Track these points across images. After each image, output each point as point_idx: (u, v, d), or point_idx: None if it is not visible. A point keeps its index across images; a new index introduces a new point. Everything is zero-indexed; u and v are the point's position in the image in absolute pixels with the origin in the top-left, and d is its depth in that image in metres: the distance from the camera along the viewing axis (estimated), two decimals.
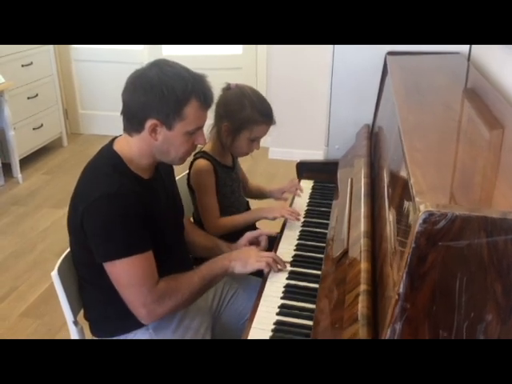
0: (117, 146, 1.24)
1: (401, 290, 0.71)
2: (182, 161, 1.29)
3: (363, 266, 1.02)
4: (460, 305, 0.70)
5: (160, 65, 1.19)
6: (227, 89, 1.59)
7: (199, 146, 1.41)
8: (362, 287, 0.95)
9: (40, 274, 2.56)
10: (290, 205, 1.78)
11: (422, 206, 0.68)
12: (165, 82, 1.16)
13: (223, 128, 1.57)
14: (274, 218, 1.64)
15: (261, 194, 1.89)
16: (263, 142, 4.53)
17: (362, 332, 0.84)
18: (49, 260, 2.66)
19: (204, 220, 1.61)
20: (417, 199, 0.71)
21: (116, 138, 1.28)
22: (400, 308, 0.72)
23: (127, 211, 1.14)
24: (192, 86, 1.18)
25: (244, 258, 1.32)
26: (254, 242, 1.48)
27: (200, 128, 1.24)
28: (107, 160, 1.23)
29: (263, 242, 1.48)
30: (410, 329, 0.73)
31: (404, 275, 0.71)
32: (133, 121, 1.20)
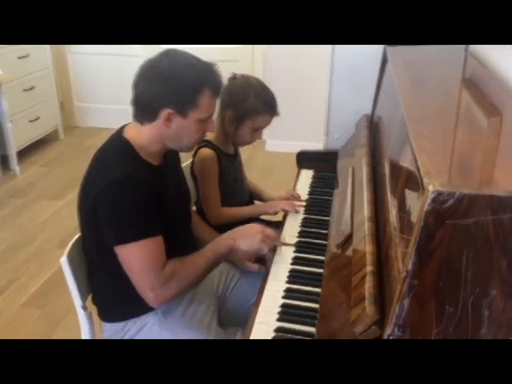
0: (127, 134, 1.26)
1: (409, 267, 0.74)
2: (191, 148, 1.33)
3: (368, 248, 1.04)
4: (466, 280, 0.73)
5: (171, 55, 1.22)
6: (233, 79, 1.62)
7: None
8: (369, 268, 0.98)
9: (40, 265, 2.58)
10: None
11: (430, 186, 0.71)
12: (178, 71, 1.18)
13: (227, 117, 1.60)
14: (276, 213, 1.67)
15: (258, 196, 1.87)
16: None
17: (369, 310, 0.87)
18: (48, 251, 2.67)
19: (205, 208, 1.64)
20: (425, 180, 0.74)
21: (125, 125, 1.30)
22: (408, 285, 0.75)
23: (138, 196, 1.17)
24: (205, 75, 1.21)
25: (249, 237, 1.33)
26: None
27: (211, 115, 1.28)
28: (118, 147, 1.25)
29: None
30: (418, 304, 0.76)
31: (413, 253, 0.73)
32: (146, 110, 1.22)
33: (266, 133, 3.90)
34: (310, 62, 3.65)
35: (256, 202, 1.83)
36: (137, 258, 1.19)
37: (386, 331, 0.80)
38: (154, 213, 1.20)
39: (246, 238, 1.33)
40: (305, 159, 2.00)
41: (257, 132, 1.64)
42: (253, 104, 1.57)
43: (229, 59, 4.00)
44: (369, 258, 1.01)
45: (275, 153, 3.93)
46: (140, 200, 1.17)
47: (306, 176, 1.91)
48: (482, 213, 0.70)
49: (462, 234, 0.71)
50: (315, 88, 3.54)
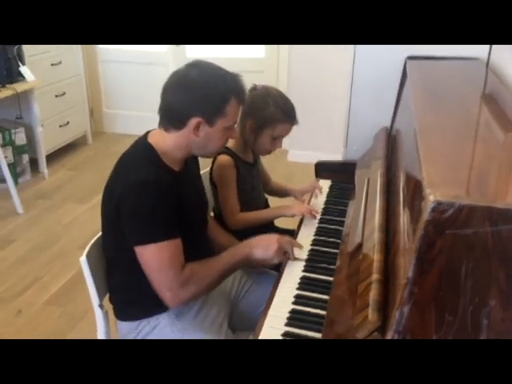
0: (151, 139, 1.31)
1: (410, 275, 0.76)
2: (214, 154, 1.40)
3: (376, 257, 1.06)
4: (465, 290, 0.75)
5: (199, 66, 1.27)
6: (253, 89, 1.66)
7: None
8: (375, 276, 1.00)
9: (62, 266, 2.66)
10: (308, 203, 1.84)
11: (431, 196, 0.73)
12: (207, 81, 1.24)
13: (247, 126, 1.64)
14: (293, 216, 1.70)
15: (281, 192, 1.95)
16: (283, 144, 4.58)
17: (371, 316, 0.89)
18: (71, 252, 2.75)
19: (224, 214, 1.68)
20: (428, 190, 0.76)
21: (149, 131, 1.35)
22: (408, 292, 0.77)
23: (161, 198, 1.21)
24: (232, 85, 1.26)
25: (265, 246, 1.36)
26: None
27: (235, 123, 1.33)
28: (142, 151, 1.30)
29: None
30: (417, 312, 0.78)
31: (413, 260, 0.76)
32: (174, 119, 1.27)
33: (288, 143, 3.99)
34: (332, 75, 3.68)
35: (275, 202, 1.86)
36: (157, 258, 1.24)
37: (386, 337, 0.82)
38: (174, 215, 1.25)
39: (263, 247, 1.36)
40: (323, 169, 2.02)
41: (276, 141, 1.68)
42: (272, 113, 1.61)
43: (255, 70, 4.06)
44: (376, 266, 1.03)
45: (296, 163, 3.96)
46: (162, 202, 1.22)
47: (324, 186, 1.93)
48: (480, 224, 0.71)
49: (461, 243, 0.73)
50: (338, 100, 3.57)
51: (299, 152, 4.03)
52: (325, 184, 1.97)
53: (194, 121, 1.24)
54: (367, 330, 0.88)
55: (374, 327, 0.88)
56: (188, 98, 1.24)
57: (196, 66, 1.27)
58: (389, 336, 0.81)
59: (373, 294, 0.95)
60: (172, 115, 1.28)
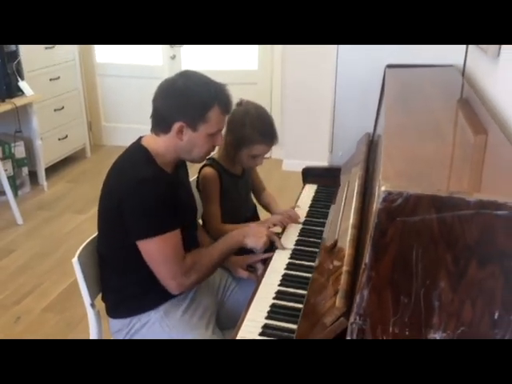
0: (145, 142, 1.40)
1: (366, 261, 0.83)
2: (202, 159, 1.46)
3: (348, 251, 1.13)
4: (417, 273, 0.82)
5: (186, 75, 1.37)
6: (239, 104, 1.70)
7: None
8: (345, 268, 1.07)
9: (61, 274, 2.73)
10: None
11: (383, 187, 0.80)
12: (192, 89, 1.33)
13: (228, 141, 1.68)
14: (274, 226, 1.74)
15: (267, 209, 1.95)
16: (278, 154, 4.68)
17: (338, 303, 0.95)
18: (69, 261, 2.76)
19: (207, 224, 1.74)
20: (381, 182, 0.83)
21: (142, 136, 1.44)
22: (366, 276, 0.84)
23: (161, 193, 1.30)
24: (215, 93, 1.34)
25: (257, 237, 1.49)
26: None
27: (220, 131, 1.41)
28: (138, 153, 1.39)
29: (259, 269, 1.55)
30: (375, 295, 0.84)
31: (369, 247, 0.82)
32: (161, 123, 1.36)
33: (283, 153, 4.06)
34: (326, 86, 3.74)
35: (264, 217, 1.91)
36: (160, 250, 1.32)
37: (350, 320, 0.88)
38: (172, 209, 1.33)
39: (255, 237, 1.49)
40: (309, 175, 2.10)
41: (255, 159, 1.70)
42: (249, 134, 1.64)
43: (249, 82, 4.16)
44: (346, 259, 1.10)
45: (291, 172, 4.03)
46: (161, 197, 1.30)
47: (310, 190, 2.00)
48: (427, 211, 0.78)
49: (410, 230, 0.80)
50: (331, 111, 3.65)
51: (294, 161, 4.09)
52: (311, 188, 2.05)
53: (177, 125, 1.33)
54: (334, 315, 0.95)
55: (340, 313, 0.94)
56: (173, 104, 1.33)
57: (183, 75, 1.37)
58: (351, 318, 0.87)
59: (342, 284, 1.02)
60: (159, 119, 1.37)
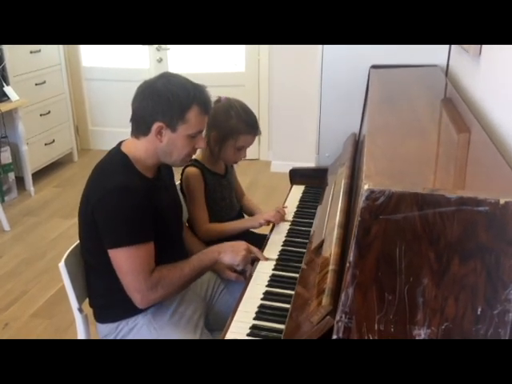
0: (124, 148, 1.39)
1: (351, 259, 0.84)
2: (183, 162, 1.44)
3: (334, 250, 1.14)
4: (401, 270, 0.83)
5: (166, 76, 1.37)
6: (218, 101, 1.73)
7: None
8: (331, 267, 1.08)
9: (49, 279, 2.71)
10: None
11: (366, 186, 0.81)
12: (170, 89, 1.32)
13: (211, 137, 1.70)
14: (260, 225, 1.75)
15: (250, 213, 1.94)
16: (266, 156, 4.68)
17: (324, 301, 0.96)
18: (57, 267, 2.74)
19: (193, 225, 1.74)
20: (364, 181, 0.84)
21: (122, 141, 1.43)
22: (351, 275, 0.85)
23: (134, 204, 1.29)
24: (194, 94, 1.34)
25: (234, 252, 1.44)
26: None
27: (200, 132, 1.40)
28: (116, 160, 1.38)
29: (247, 271, 1.52)
30: (360, 293, 0.85)
31: (353, 245, 0.83)
32: (141, 125, 1.36)
33: (271, 154, 4.07)
34: (312, 87, 3.76)
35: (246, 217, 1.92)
36: (128, 261, 1.31)
37: (336, 319, 0.89)
38: (147, 221, 1.32)
39: (231, 252, 1.44)
40: (296, 175, 2.10)
41: (240, 151, 1.74)
42: (234, 124, 1.68)
43: (236, 84, 4.17)
44: (333, 259, 1.11)
45: (280, 173, 4.04)
46: (135, 208, 1.29)
47: (297, 191, 2.01)
48: (409, 209, 0.79)
49: (393, 228, 0.81)
50: (318, 112, 3.67)
51: (282, 162, 4.10)
52: (299, 189, 2.05)
53: (156, 125, 1.33)
54: (320, 314, 0.96)
55: (326, 311, 0.95)
56: (151, 105, 1.32)
57: (163, 76, 1.37)
58: (337, 316, 0.88)
59: (328, 283, 1.03)
60: (139, 121, 1.36)
